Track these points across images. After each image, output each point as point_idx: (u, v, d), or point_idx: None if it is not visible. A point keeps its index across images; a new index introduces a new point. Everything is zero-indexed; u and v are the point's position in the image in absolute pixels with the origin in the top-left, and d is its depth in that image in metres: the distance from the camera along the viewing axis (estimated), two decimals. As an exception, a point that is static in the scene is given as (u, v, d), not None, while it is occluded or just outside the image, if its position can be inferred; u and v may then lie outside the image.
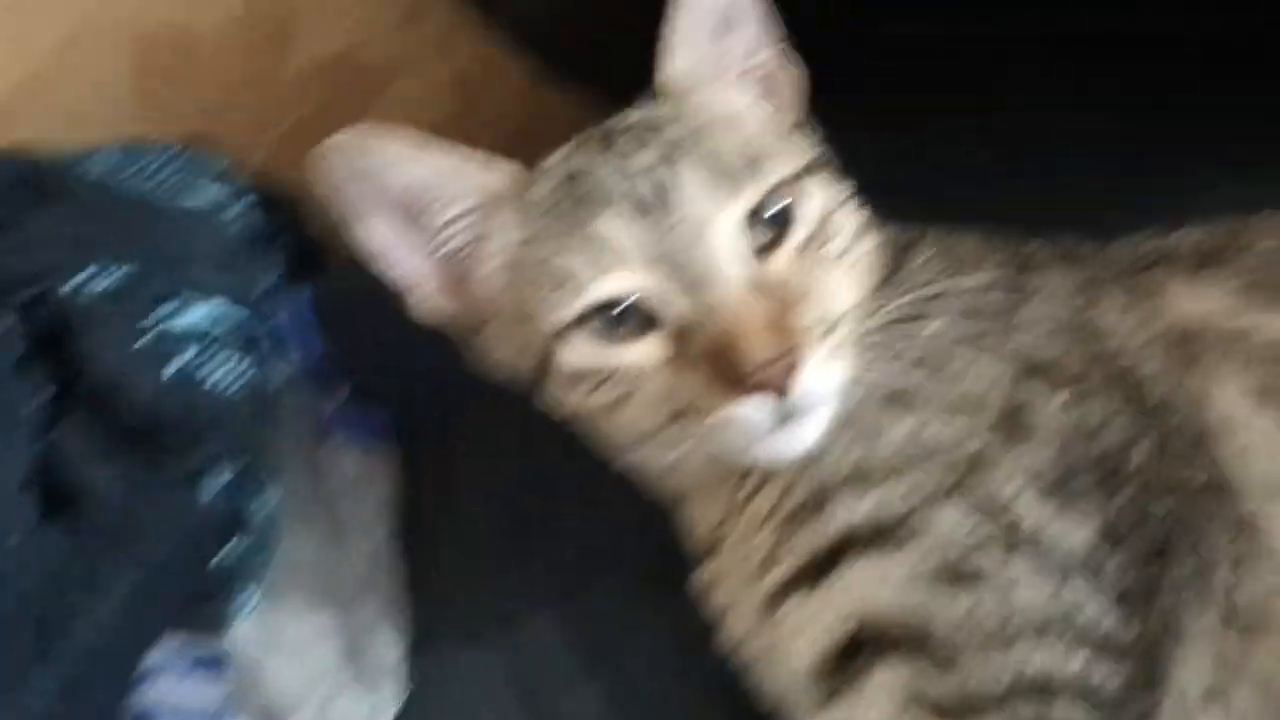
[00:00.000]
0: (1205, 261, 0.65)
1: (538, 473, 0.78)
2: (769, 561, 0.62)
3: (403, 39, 1.25)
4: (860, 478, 0.60)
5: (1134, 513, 0.59)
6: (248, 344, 0.80)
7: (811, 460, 0.60)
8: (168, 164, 0.85)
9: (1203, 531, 0.58)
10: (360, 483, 0.81)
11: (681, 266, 0.58)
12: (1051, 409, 0.61)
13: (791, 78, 0.67)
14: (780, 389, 0.56)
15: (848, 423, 0.60)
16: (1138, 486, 0.59)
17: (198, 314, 0.76)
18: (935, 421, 0.61)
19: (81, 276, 0.75)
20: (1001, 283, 0.66)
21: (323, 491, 0.81)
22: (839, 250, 0.62)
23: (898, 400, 0.61)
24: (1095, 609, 0.57)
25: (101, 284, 0.75)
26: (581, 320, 0.60)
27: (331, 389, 0.83)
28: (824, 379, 0.58)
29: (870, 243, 0.65)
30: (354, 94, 1.23)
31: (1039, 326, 0.64)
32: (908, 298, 0.63)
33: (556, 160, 0.64)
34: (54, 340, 0.73)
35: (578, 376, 0.61)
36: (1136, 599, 0.57)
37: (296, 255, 0.94)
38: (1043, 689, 0.56)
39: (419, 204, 0.64)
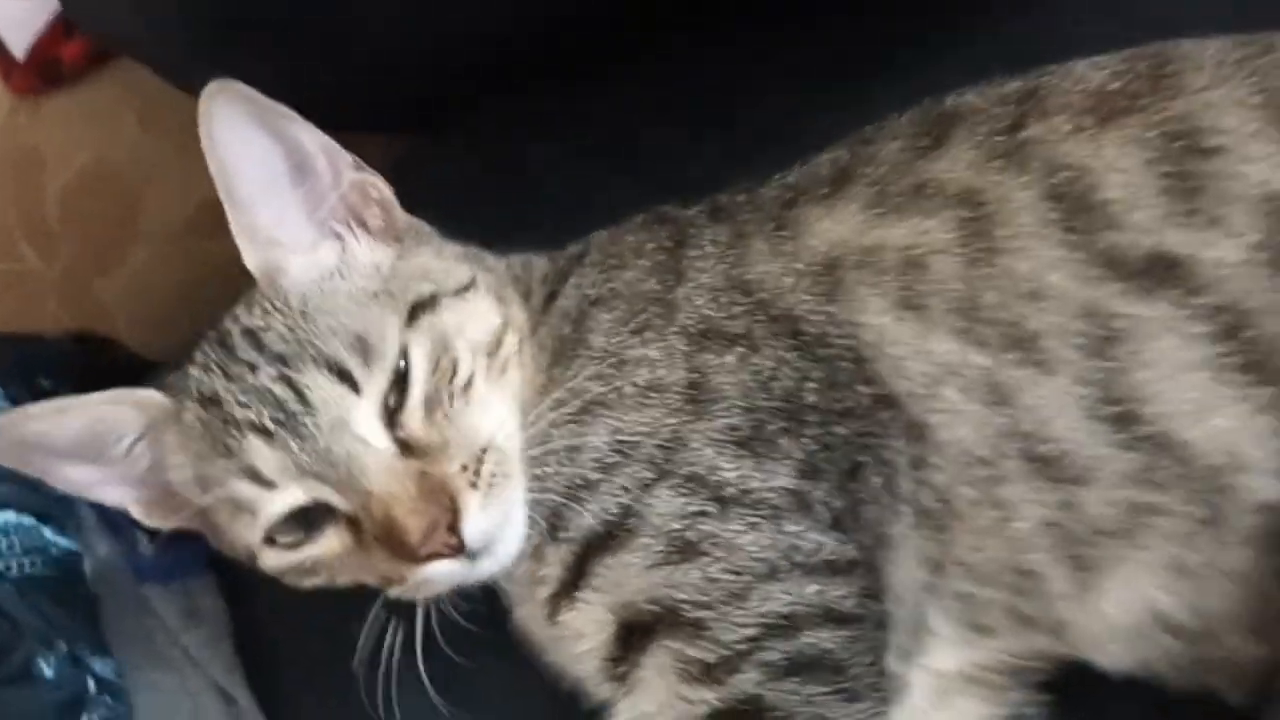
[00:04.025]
0: (839, 182, 0.70)
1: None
2: (534, 585, 0.67)
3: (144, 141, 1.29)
4: (576, 492, 0.64)
5: (822, 444, 0.64)
6: (39, 521, 0.84)
7: (535, 495, 0.65)
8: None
9: (883, 445, 0.64)
10: (190, 617, 0.85)
11: (326, 471, 0.62)
12: (725, 372, 0.66)
13: (381, 194, 0.70)
14: (454, 548, 0.61)
15: (550, 450, 0.65)
16: (819, 420, 0.65)
17: (-20, 517, 0.79)
18: (628, 417, 0.65)
19: None
20: (658, 267, 0.71)
21: (161, 635, 0.85)
22: (465, 376, 0.65)
23: (589, 410, 0.65)
24: (813, 540, 0.62)
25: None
26: (268, 535, 0.64)
27: (135, 539, 0.87)
28: (493, 513, 0.63)
29: (511, 336, 0.68)
30: (117, 198, 1.28)
31: (697, 299, 0.68)
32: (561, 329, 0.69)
33: (194, 379, 0.67)
34: None
35: (284, 573, 0.66)
36: (846, 520, 0.63)
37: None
38: (787, 624, 0.61)
39: (91, 447, 0.68)
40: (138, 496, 0.70)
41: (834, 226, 0.68)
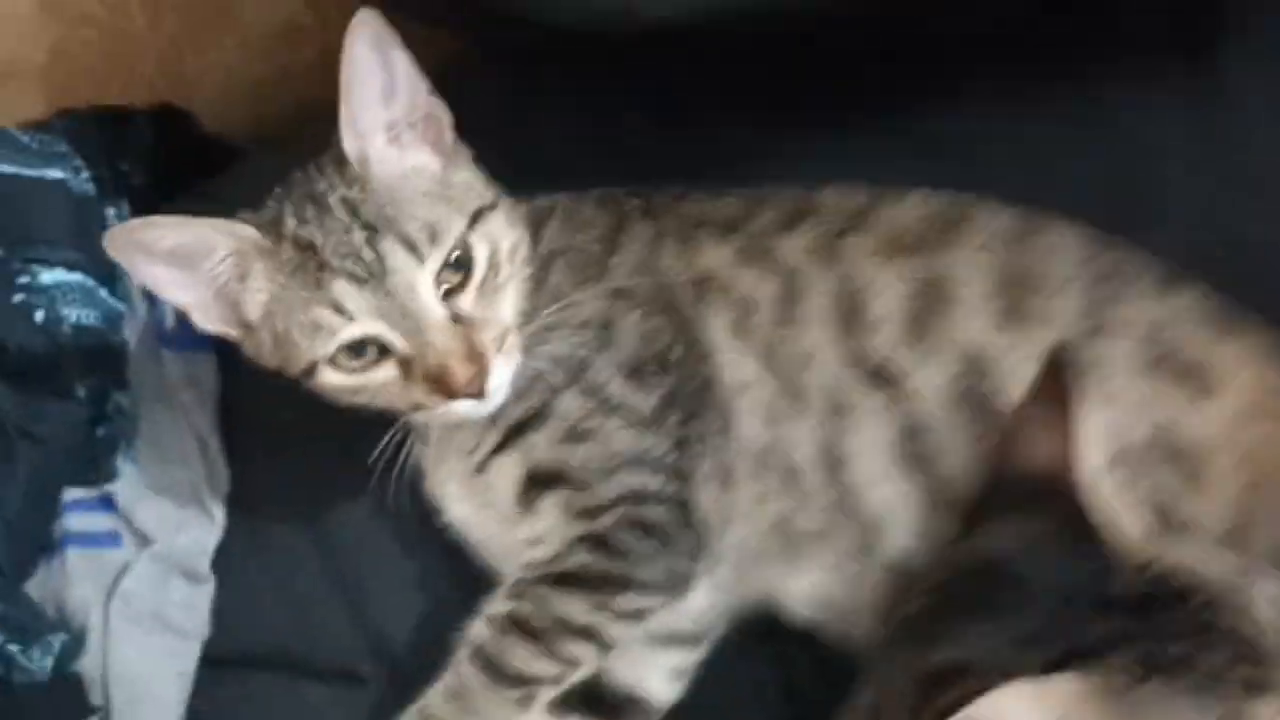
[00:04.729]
0: (729, 227, 0.93)
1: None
2: (476, 446, 0.91)
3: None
4: (520, 391, 0.88)
5: (675, 391, 0.89)
6: (99, 283, 1.11)
7: None
8: (25, 147, 1.13)
9: (708, 410, 0.89)
10: (191, 381, 1.13)
11: (399, 319, 0.82)
12: (629, 321, 0.90)
13: (443, 119, 0.88)
14: (479, 394, 0.83)
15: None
16: (676, 375, 0.89)
17: (55, 273, 1.07)
18: (561, 340, 0.89)
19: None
20: (602, 238, 0.94)
21: (165, 387, 1.13)
22: (505, 277, 0.87)
23: (542, 332, 0.88)
24: (663, 449, 0.87)
25: (-17, 259, 1.06)
26: (333, 356, 0.84)
27: (164, 313, 1.14)
28: (504, 374, 0.84)
29: (522, 251, 0.89)
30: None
31: (623, 268, 0.92)
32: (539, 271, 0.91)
33: (289, 226, 0.84)
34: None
35: (335, 389, 0.86)
36: (682, 446, 0.88)
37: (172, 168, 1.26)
38: (637, 496, 0.86)
39: (184, 259, 0.84)
40: (202, 303, 0.87)
41: (715, 257, 0.92)
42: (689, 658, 0.95)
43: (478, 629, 0.87)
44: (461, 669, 0.86)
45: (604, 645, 0.86)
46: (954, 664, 0.68)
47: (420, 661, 0.95)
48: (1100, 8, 0.96)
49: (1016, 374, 0.81)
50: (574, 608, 0.85)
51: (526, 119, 1.14)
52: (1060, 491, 0.72)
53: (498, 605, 0.87)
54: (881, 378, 0.85)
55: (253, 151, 1.39)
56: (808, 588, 0.89)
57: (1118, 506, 0.75)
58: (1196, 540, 0.75)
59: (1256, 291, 0.87)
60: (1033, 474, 0.74)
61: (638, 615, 0.87)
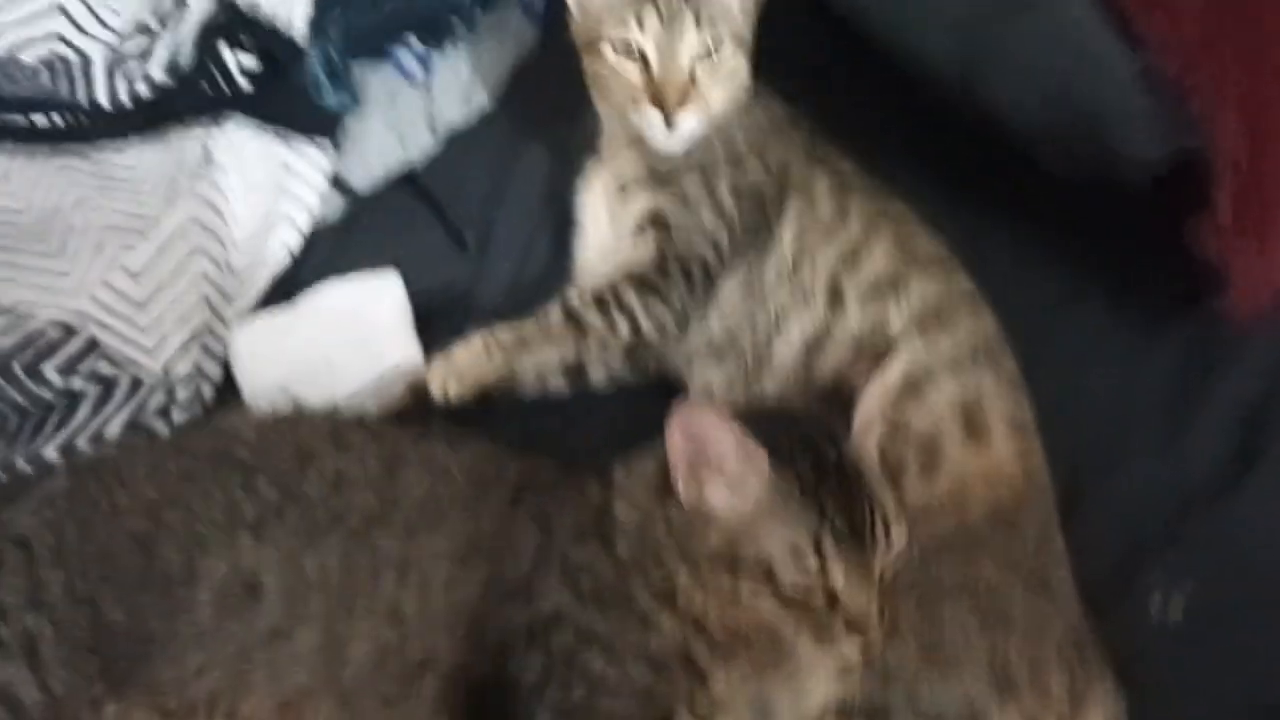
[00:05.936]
0: (837, 175, 1.34)
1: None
2: (629, 182, 1.33)
3: None
4: (667, 167, 1.31)
5: (753, 216, 1.29)
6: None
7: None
8: None
9: (761, 242, 1.28)
10: (520, 33, 1.66)
11: (664, 48, 1.24)
12: (753, 164, 1.30)
13: None
14: (669, 117, 1.25)
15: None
16: (758, 207, 1.29)
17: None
18: (715, 147, 1.30)
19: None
20: (776, 126, 1.38)
21: (500, 24, 1.66)
22: (729, 78, 1.28)
23: (703, 142, 1.30)
24: (726, 241, 1.29)
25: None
26: (616, 43, 1.26)
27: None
28: (691, 124, 1.26)
29: (744, 82, 1.31)
30: None
31: (772, 145, 1.33)
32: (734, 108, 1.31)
33: None
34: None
35: (600, 65, 1.28)
36: (736, 249, 1.30)
37: None
38: (692, 259, 1.28)
39: None
40: None
41: (819, 182, 1.34)
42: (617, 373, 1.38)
43: (572, 291, 1.33)
44: (551, 312, 1.29)
45: (635, 329, 1.27)
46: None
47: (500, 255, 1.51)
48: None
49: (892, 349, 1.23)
50: (629, 296, 1.27)
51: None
52: (852, 404, 1.16)
53: (591, 285, 1.31)
54: (836, 298, 1.26)
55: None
56: (712, 380, 1.33)
57: (876, 438, 1.17)
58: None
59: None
60: (846, 390, 1.17)
61: (658, 322, 1.27)
